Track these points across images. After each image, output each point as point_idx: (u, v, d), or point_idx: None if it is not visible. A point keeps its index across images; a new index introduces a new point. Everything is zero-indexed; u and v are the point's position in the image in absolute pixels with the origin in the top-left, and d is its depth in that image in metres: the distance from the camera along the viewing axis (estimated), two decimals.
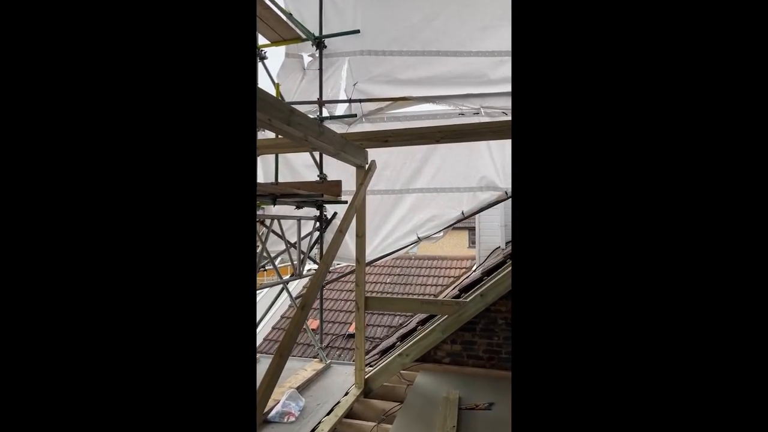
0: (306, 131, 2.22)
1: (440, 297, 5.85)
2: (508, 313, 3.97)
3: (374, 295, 6.27)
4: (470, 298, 3.12)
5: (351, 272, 5.88)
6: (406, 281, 6.65)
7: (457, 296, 3.87)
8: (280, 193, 3.39)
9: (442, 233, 4.28)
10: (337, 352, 5.37)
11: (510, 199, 4.34)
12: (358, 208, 3.31)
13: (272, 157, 4.49)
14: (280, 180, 4.56)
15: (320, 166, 4.31)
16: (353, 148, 3.04)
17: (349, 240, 4.47)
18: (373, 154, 3.56)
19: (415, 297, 4.63)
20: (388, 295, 6.24)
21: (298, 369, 3.81)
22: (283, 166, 4.60)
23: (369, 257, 4.36)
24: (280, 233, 4.11)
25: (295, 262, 4.26)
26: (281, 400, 2.87)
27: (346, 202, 4.37)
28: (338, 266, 5.46)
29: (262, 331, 6.01)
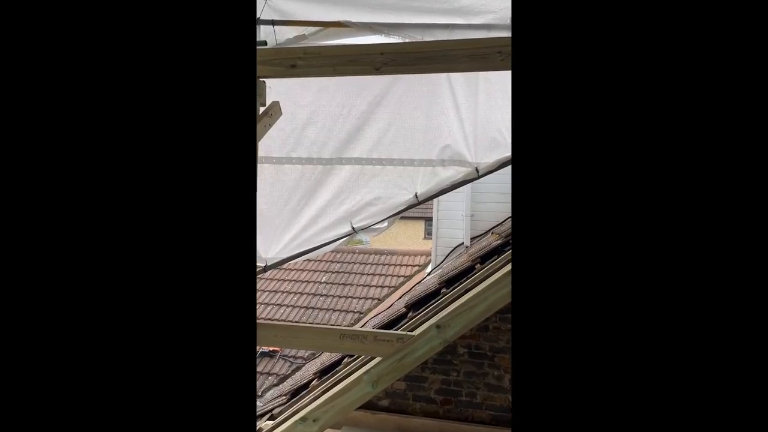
0: None
1: (386, 303, 4.63)
2: (473, 340, 2.82)
3: (291, 314, 4.90)
4: (420, 329, 1.92)
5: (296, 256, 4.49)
6: (346, 280, 5.40)
7: (403, 315, 2.67)
8: None
9: (386, 223, 3.06)
10: None
11: (480, 179, 3.19)
12: None
13: None
14: None
15: None
16: None
17: None
18: (286, 99, 2.25)
19: (334, 327, 3.39)
20: (320, 302, 4.96)
21: None
22: None
23: (278, 255, 3.06)
24: None
25: None
26: None
27: None
28: None
29: None
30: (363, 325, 3.73)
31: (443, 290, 2.47)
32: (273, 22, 2.90)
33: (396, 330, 2.50)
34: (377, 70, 1.92)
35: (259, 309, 4.90)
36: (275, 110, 2.08)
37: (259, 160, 3.12)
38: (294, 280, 5.41)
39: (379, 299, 4.86)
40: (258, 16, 2.96)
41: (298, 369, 3.85)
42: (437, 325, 1.90)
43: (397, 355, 1.88)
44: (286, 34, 2.94)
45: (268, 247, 3.06)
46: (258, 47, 2.23)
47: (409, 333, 1.93)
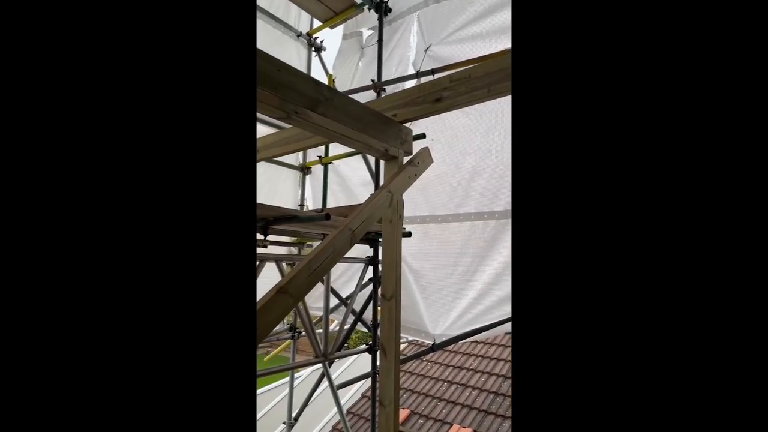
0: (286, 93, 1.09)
1: None
2: None
3: (478, 399, 4.03)
4: None
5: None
6: None
7: None
8: (274, 217, 2.05)
9: None
10: None
11: None
12: (384, 243, 1.66)
13: (320, 172, 3.26)
14: (332, 204, 3.26)
15: (377, 180, 2.83)
16: (375, 118, 1.51)
17: (420, 297, 2.74)
18: (450, 149, 1.90)
19: None
20: (502, 391, 4.00)
21: None
22: (336, 185, 3.31)
23: (447, 332, 2.53)
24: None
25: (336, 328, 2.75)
26: None
27: (409, 234, 2.71)
28: None
29: None
30: None
31: None
32: (432, 72, 2.71)
33: None
34: None
35: (441, 386, 4.30)
36: (423, 158, 1.72)
37: (423, 219, 2.81)
38: (480, 356, 4.63)
39: None
40: (418, 69, 2.84)
41: None
42: None
43: None
44: None
45: (437, 321, 2.59)
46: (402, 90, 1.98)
47: None
